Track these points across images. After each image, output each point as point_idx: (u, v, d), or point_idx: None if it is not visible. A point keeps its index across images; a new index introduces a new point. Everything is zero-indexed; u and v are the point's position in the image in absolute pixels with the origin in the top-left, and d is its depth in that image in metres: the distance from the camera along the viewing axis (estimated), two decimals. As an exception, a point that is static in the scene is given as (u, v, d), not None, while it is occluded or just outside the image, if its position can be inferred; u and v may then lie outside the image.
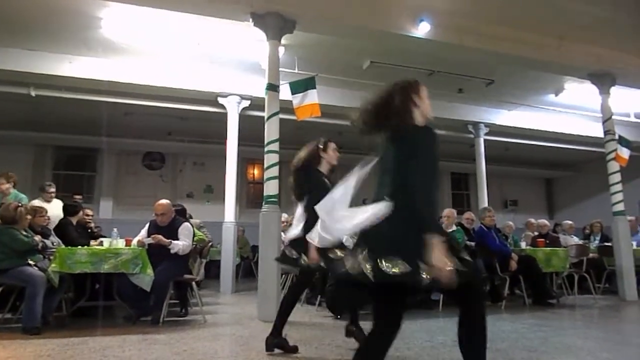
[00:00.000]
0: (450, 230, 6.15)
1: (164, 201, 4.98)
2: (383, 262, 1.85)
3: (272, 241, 5.07)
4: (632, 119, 10.39)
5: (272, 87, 5.34)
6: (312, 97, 5.45)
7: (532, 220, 8.35)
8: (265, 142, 5.26)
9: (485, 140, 10.24)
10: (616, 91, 7.98)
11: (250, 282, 8.22)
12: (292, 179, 3.56)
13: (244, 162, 12.31)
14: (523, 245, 6.85)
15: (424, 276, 1.82)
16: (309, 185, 3.46)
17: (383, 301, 2.03)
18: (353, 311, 3.75)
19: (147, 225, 5.01)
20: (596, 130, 8.80)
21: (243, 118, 8.20)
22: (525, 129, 10.53)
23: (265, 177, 5.25)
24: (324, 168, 3.63)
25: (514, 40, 6.64)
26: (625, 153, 7.38)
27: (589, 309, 6.02)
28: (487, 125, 10.05)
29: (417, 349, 3.58)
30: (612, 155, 7.25)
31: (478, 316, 2.14)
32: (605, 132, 7.46)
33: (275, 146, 5.26)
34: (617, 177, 7.23)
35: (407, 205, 1.89)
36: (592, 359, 3.35)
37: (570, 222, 8.62)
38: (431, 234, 1.82)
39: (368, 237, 1.95)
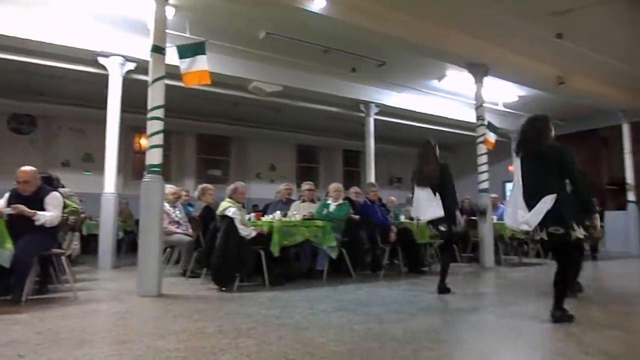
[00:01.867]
0: (337, 204, 6.41)
1: (27, 168, 4.45)
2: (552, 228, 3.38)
3: (154, 213, 4.83)
4: (501, 107, 11.61)
5: (158, 49, 4.99)
6: (202, 63, 5.20)
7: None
8: (149, 107, 4.93)
9: (375, 120, 10.71)
10: (489, 81, 8.82)
11: (134, 257, 7.78)
12: (432, 174, 4.85)
13: (130, 131, 11.50)
14: (402, 218, 7.38)
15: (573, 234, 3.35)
16: (448, 179, 4.88)
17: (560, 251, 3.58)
18: (443, 271, 4.97)
19: (7, 194, 4.47)
20: (471, 116, 9.67)
21: (128, 82, 7.59)
22: (411, 110, 11.21)
23: (148, 145, 4.94)
24: None
25: (403, 24, 6.96)
26: (492, 137, 8.25)
27: (454, 275, 6.66)
28: (377, 105, 10.50)
29: (299, 317, 3.70)
30: (482, 139, 8.07)
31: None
32: (477, 118, 8.25)
33: (159, 112, 4.95)
34: (484, 159, 8.07)
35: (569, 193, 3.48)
36: (450, 317, 3.77)
37: (444, 198, 9.44)
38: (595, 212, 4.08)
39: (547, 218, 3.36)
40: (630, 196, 11.08)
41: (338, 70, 9.09)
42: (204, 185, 6.57)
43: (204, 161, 13.60)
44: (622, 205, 11.19)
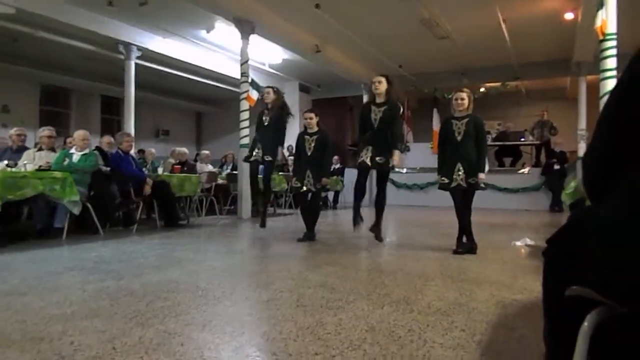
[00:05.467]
0: (82, 153, 5.68)
1: None
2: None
3: None
4: (267, 68, 12.13)
5: None
6: None
7: (176, 148, 8.74)
8: None
9: (137, 65, 9.83)
10: (257, 40, 9.03)
11: None
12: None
13: None
14: (160, 171, 7.09)
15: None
16: None
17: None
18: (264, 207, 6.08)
19: None
20: (238, 72, 9.78)
21: None
22: (178, 60, 10.69)
23: None
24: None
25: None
26: (254, 95, 8.54)
27: (211, 227, 6.85)
28: (140, 48, 9.62)
29: (17, 282, 3.17)
30: (244, 95, 8.28)
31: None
32: (241, 74, 8.40)
33: None
34: (246, 115, 8.34)
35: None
36: (196, 267, 3.81)
37: (207, 152, 9.52)
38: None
39: None
40: (365, 156, 13.21)
41: (91, 0, 7.91)
42: None
43: None
44: (359, 164, 13.25)
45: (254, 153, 5.68)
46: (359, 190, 4.98)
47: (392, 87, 4.84)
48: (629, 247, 0.94)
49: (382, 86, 4.74)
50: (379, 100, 4.77)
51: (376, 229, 5.01)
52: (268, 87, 6.01)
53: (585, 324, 1.15)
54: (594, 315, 1.15)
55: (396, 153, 4.78)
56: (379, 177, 4.93)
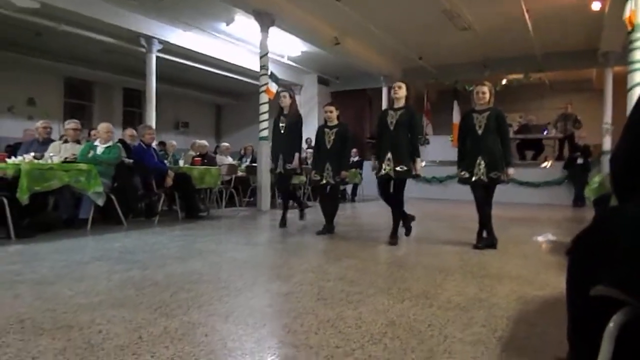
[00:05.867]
0: (106, 146, 5.80)
1: None
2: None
3: None
4: (286, 60, 12.13)
5: None
6: None
7: (196, 141, 8.84)
8: None
9: (158, 58, 9.94)
10: (276, 33, 9.03)
11: None
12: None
13: None
14: (181, 163, 7.18)
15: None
16: None
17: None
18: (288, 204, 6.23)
19: None
20: (257, 64, 9.82)
21: None
22: (198, 52, 10.76)
23: None
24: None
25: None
26: (273, 87, 8.54)
27: (231, 219, 6.94)
28: (160, 41, 9.72)
29: (45, 271, 3.28)
30: (264, 88, 8.30)
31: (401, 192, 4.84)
32: (261, 67, 8.42)
33: None
34: (265, 108, 8.37)
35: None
36: (218, 258, 3.88)
37: (226, 144, 9.60)
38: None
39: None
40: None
41: (114, -6, 8.02)
42: None
43: None
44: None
45: (277, 165, 5.75)
46: (386, 199, 4.90)
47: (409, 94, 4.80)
48: None
49: (402, 92, 4.68)
50: (397, 105, 4.73)
51: (391, 237, 4.78)
52: (283, 90, 5.97)
53: (611, 324, 1.14)
54: (620, 316, 1.14)
55: (417, 161, 4.69)
56: (396, 184, 4.73)
